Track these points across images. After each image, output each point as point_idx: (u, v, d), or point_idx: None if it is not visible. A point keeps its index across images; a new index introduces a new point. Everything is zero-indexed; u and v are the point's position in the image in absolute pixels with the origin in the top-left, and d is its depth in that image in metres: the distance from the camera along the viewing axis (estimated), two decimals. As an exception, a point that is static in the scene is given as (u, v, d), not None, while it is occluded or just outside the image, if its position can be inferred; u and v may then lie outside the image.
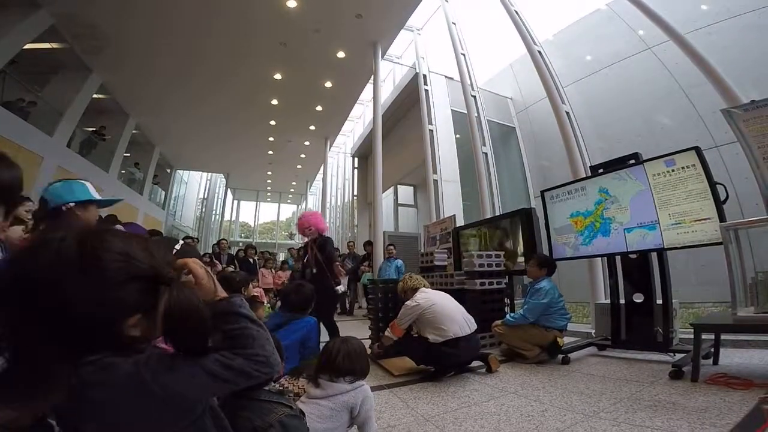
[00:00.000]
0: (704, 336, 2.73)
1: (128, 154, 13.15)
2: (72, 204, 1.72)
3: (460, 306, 3.29)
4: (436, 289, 4.87)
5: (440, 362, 3.07)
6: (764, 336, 3.11)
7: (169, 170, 17.82)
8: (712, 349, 3.00)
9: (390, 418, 2.28)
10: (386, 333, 3.37)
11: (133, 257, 0.67)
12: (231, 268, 6.61)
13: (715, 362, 2.98)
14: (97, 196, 1.88)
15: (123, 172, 13.16)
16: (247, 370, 0.72)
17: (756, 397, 2.18)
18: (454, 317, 3.09)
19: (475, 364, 3.33)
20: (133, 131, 12.84)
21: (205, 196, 23.51)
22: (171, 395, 0.66)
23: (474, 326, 3.18)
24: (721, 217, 2.89)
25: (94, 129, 11.34)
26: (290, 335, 2.42)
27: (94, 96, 10.28)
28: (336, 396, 1.65)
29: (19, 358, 0.59)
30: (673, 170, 3.20)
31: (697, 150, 3.07)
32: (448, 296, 3.35)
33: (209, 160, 18.00)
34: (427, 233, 7.51)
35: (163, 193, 17.18)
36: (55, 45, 8.86)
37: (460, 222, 6.83)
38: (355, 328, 5.57)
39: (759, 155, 3.23)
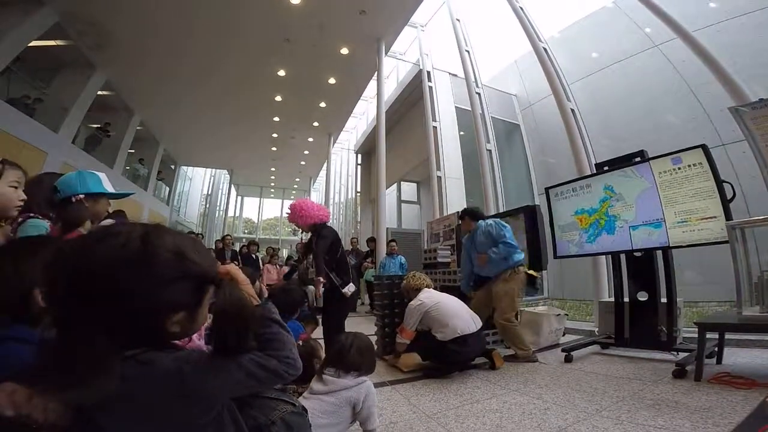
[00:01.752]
0: (708, 335, 2.72)
1: (133, 151, 13.19)
2: (82, 195, 1.73)
3: (465, 305, 3.29)
4: (441, 286, 4.92)
5: (447, 359, 3.07)
6: None
7: (173, 166, 17.88)
8: (716, 348, 2.99)
9: (392, 414, 2.29)
10: (397, 339, 3.36)
11: (187, 257, 0.69)
12: (234, 264, 6.64)
13: (719, 361, 2.96)
14: (110, 189, 1.90)
15: (128, 168, 13.20)
16: (280, 372, 0.78)
17: (759, 396, 2.17)
18: (460, 315, 3.09)
19: (478, 360, 3.33)
20: (138, 127, 12.87)
21: (209, 192, 23.56)
22: (207, 393, 0.70)
23: (480, 323, 3.19)
24: (728, 216, 2.86)
25: (98, 126, 11.39)
26: None
27: (99, 93, 10.31)
28: (339, 391, 1.65)
29: (73, 347, 0.60)
30: (679, 168, 3.17)
31: (704, 148, 3.05)
32: (452, 297, 3.35)
33: (213, 156, 18.04)
34: (431, 230, 7.50)
35: (168, 189, 17.25)
36: (60, 42, 8.89)
37: (463, 219, 6.81)
38: (360, 325, 5.58)
39: (766, 153, 3.20)
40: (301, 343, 2.00)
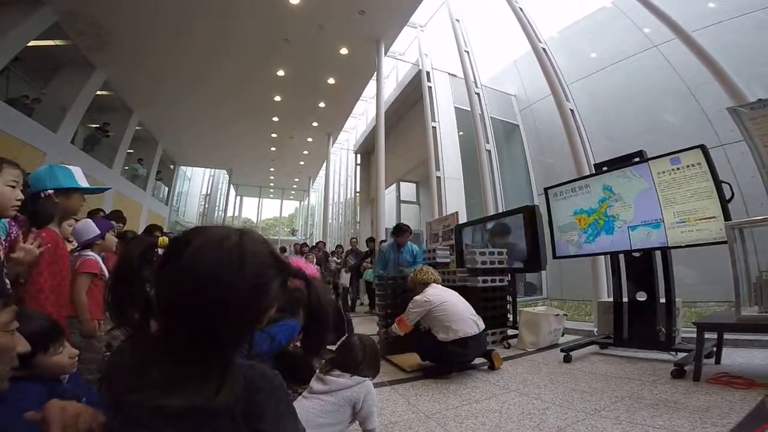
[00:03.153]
0: (707, 335, 2.72)
1: (132, 151, 13.19)
2: (51, 191, 1.69)
3: (469, 305, 3.26)
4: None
5: (448, 360, 3.06)
6: (767, 336, 3.09)
7: (172, 166, 17.88)
8: (715, 349, 2.99)
9: (391, 414, 2.29)
10: (393, 328, 3.35)
11: (277, 256, 0.72)
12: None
13: (718, 361, 2.97)
14: (83, 184, 1.84)
15: (126, 168, 13.21)
16: None
17: (757, 396, 2.17)
18: (463, 317, 3.06)
19: (477, 360, 3.33)
20: (137, 127, 12.88)
21: (208, 192, 23.59)
22: None
23: (482, 326, 3.17)
24: (726, 216, 2.86)
25: (97, 125, 11.38)
26: (266, 340, 2.27)
27: (98, 92, 10.31)
28: (339, 391, 1.65)
29: (203, 351, 0.62)
30: (678, 168, 3.17)
31: (703, 148, 3.05)
32: (457, 294, 3.33)
33: (212, 156, 18.05)
34: (430, 230, 7.50)
35: (167, 189, 17.24)
36: (59, 42, 8.89)
37: (462, 219, 6.82)
38: (359, 325, 5.58)
39: (765, 154, 3.21)
40: (299, 343, 1.99)
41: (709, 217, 2.96)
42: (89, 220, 2.26)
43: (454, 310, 3.08)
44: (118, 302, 0.66)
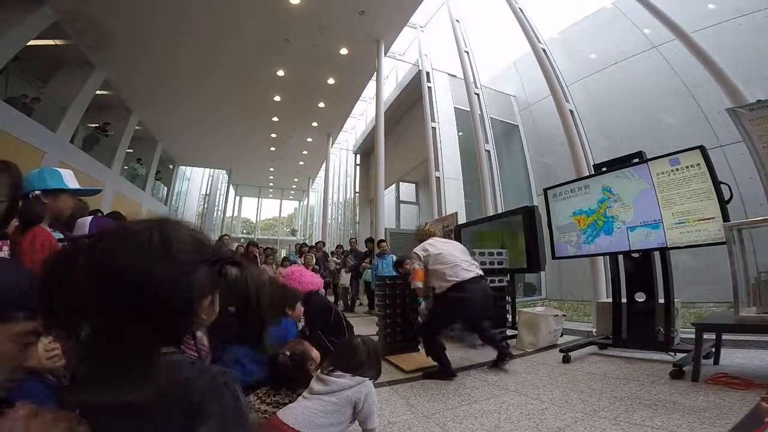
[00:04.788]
0: (705, 336, 2.73)
1: (131, 150, 13.19)
2: (38, 192, 1.72)
3: (466, 254, 3.29)
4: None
5: (455, 312, 3.09)
6: (766, 336, 3.09)
7: (171, 166, 17.87)
8: (713, 349, 3.00)
9: (390, 415, 2.29)
10: (413, 286, 3.29)
11: (203, 243, 0.71)
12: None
13: (716, 362, 2.97)
14: (72, 186, 1.88)
15: (126, 167, 13.21)
16: None
17: (756, 397, 2.18)
18: (458, 263, 3.11)
19: (477, 359, 3.32)
20: (136, 127, 12.87)
21: (208, 192, 23.56)
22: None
23: (479, 272, 3.17)
24: (725, 217, 2.87)
25: (97, 125, 11.37)
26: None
27: (98, 92, 10.31)
28: (340, 391, 1.65)
29: (121, 345, 0.61)
30: (677, 169, 3.18)
31: (702, 149, 3.05)
32: (455, 245, 3.40)
33: (211, 156, 18.05)
34: (429, 231, 7.49)
35: (166, 188, 17.23)
36: (58, 41, 8.88)
37: (462, 219, 6.83)
38: (358, 326, 5.56)
39: (764, 155, 3.22)
40: (288, 353, 1.96)
41: (708, 218, 2.96)
42: (88, 218, 2.25)
43: (449, 259, 3.13)
44: (47, 303, 0.65)
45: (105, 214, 4.28)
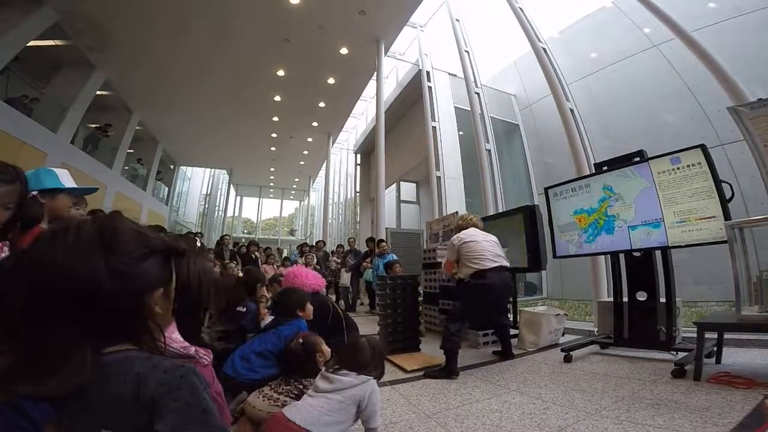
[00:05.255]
0: (707, 335, 2.73)
1: (132, 151, 13.21)
2: (35, 192, 1.72)
3: (497, 247, 3.43)
4: (440, 286, 4.95)
5: (475, 299, 3.24)
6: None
7: (172, 166, 17.89)
8: (715, 348, 3.00)
9: (392, 414, 2.29)
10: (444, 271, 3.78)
11: (145, 234, 0.69)
12: (233, 264, 6.63)
13: (718, 361, 2.97)
14: (68, 185, 1.88)
15: (126, 168, 13.22)
16: None
17: (758, 396, 2.17)
18: (485, 255, 3.27)
19: (480, 359, 3.32)
20: (137, 127, 12.89)
21: (208, 192, 23.58)
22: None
23: (505, 263, 3.36)
24: (726, 216, 2.86)
25: (97, 125, 11.39)
26: (272, 339, 2.27)
27: (98, 92, 10.32)
28: (344, 390, 1.66)
29: (40, 341, 0.58)
30: (678, 168, 3.17)
31: (703, 148, 3.05)
32: (489, 237, 3.50)
33: (212, 156, 18.08)
34: (430, 230, 7.50)
35: (167, 189, 17.25)
36: (58, 42, 8.89)
37: (462, 219, 6.82)
38: (360, 325, 5.56)
39: (765, 153, 3.21)
40: (301, 340, 2.01)
41: (710, 217, 2.96)
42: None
43: (478, 248, 3.31)
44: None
45: (103, 213, 4.31)
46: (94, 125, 11.28)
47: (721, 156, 5.33)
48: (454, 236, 3.54)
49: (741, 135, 3.37)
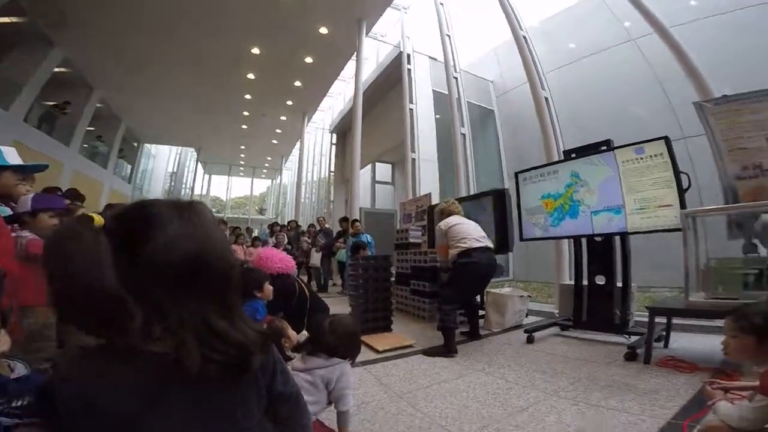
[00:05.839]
0: (657, 319, 2.89)
1: (93, 129, 12.48)
2: None
3: (479, 230, 3.61)
4: (411, 266, 5.02)
5: (463, 277, 3.44)
6: (711, 321, 3.22)
7: (135, 144, 17.04)
8: (664, 333, 3.17)
9: (364, 394, 2.33)
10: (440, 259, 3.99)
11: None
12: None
13: (666, 345, 3.16)
14: (13, 162, 1.83)
15: (86, 146, 12.52)
16: None
17: (700, 381, 2.33)
18: (470, 236, 3.47)
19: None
20: (98, 105, 12.16)
21: (175, 170, 22.64)
22: None
23: (489, 244, 3.56)
24: (683, 204, 3.01)
25: (54, 103, 10.64)
26: None
27: (57, 70, 9.68)
28: (314, 370, 1.68)
29: None
30: (642, 158, 3.29)
31: (666, 140, 3.16)
32: (472, 223, 3.68)
33: (179, 135, 17.31)
34: (403, 210, 7.53)
35: (129, 167, 16.47)
36: (14, 19, 8.22)
37: (435, 200, 6.87)
38: (332, 306, 5.56)
39: (723, 147, 3.37)
40: (265, 325, 1.98)
41: (667, 205, 3.10)
42: (30, 196, 2.09)
43: (463, 229, 3.52)
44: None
45: (63, 192, 4.05)
46: (51, 103, 10.52)
47: (683, 149, 5.53)
48: (441, 222, 3.70)
49: (703, 129, 3.52)
